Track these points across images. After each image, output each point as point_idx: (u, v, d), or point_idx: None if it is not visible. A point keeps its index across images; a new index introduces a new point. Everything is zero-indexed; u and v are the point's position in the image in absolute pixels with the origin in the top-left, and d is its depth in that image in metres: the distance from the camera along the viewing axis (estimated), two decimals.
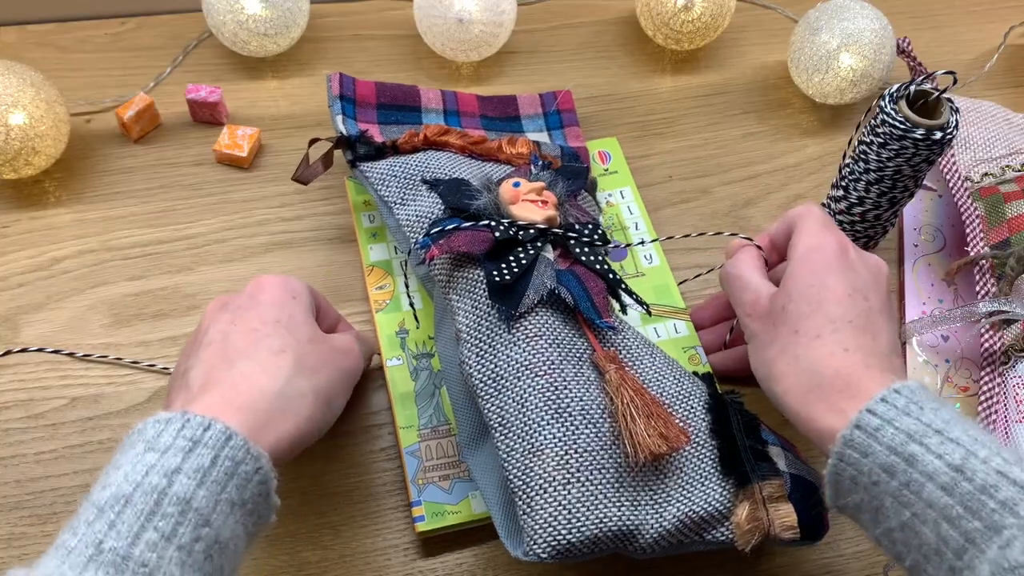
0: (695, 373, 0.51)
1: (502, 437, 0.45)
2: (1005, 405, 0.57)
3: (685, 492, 0.45)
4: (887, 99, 0.57)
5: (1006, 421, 0.57)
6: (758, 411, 0.51)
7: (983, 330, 0.60)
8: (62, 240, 0.65)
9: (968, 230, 0.64)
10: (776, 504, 0.45)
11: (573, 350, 0.47)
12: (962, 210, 0.66)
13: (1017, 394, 0.57)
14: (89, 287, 0.62)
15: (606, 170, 0.69)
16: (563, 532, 0.42)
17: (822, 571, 0.53)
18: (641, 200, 0.68)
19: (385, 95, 0.67)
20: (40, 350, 0.58)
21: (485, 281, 0.48)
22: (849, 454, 0.39)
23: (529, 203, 0.51)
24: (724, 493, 0.46)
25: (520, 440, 0.44)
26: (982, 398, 0.58)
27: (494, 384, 0.46)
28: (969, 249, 0.63)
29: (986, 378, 0.59)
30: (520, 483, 0.44)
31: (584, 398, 0.45)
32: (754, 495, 0.46)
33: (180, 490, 0.35)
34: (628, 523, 0.43)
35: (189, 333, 0.60)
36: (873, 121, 0.58)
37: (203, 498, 0.36)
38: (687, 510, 0.45)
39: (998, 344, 0.60)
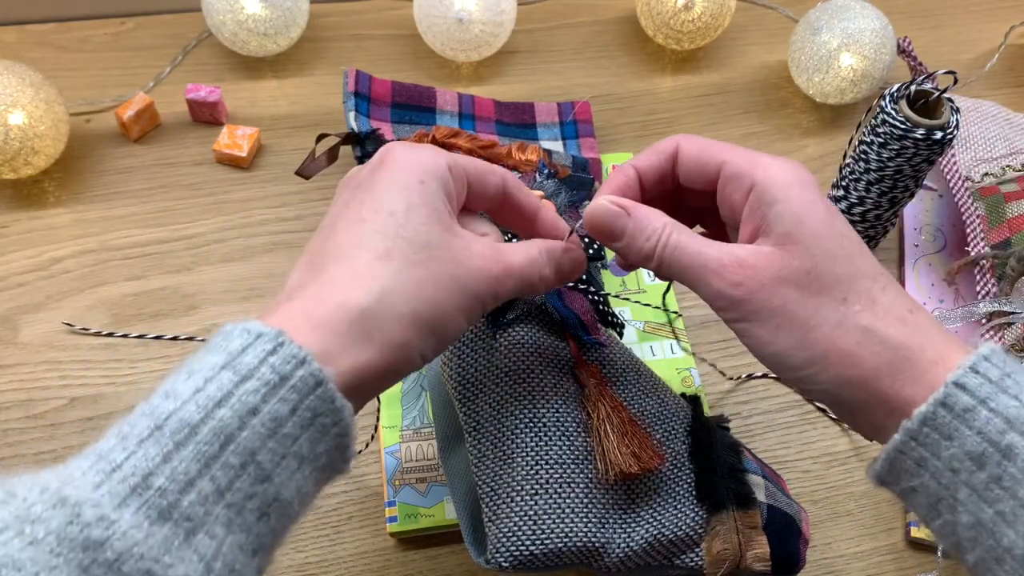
0: (683, 395, 0.51)
1: (474, 442, 0.45)
2: None
3: (656, 513, 0.45)
4: (887, 99, 0.57)
5: None
6: (745, 438, 0.50)
7: (984, 330, 0.60)
8: (61, 240, 0.65)
9: (969, 230, 0.64)
10: (750, 534, 0.44)
11: (555, 361, 0.46)
12: (963, 210, 0.66)
13: None
14: (89, 287, 0.62)
15: None
16: (527, 543, 0.42)
17: (823, 571, 0.53)
18: None
19: (401, 94, 0.66)
20: (98, 333, 0.59)
21: None
22: (927, 434, 0.32)
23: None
24: (696, 518, 0.45)
25: (492, 446, 0.44)
26: None
27: (472, 388, 0.46)
28: (970, 249, 0.63)
29: None
30: (488, 489, 0.44)
31: (560, 410, 0.45)
32: (728, 523, 0.44)
33: (249, 440, 0.30)
34: (595, 540, 0.43)
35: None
36: (873, 121, 0.58)
37: (270, 451, 0.30)
38: (657, 532, 0.44)
39: (998, 344, 0.60)
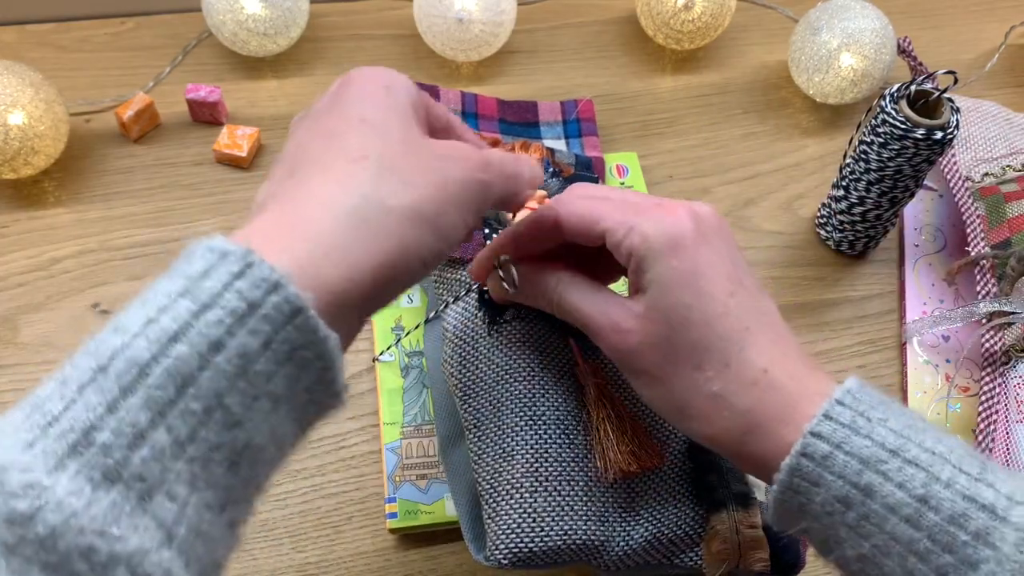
0: None
1: (475, 439, 0.45)
2: (1005, 405, 0.57)
3: (656, 512, 0.45)
4: (888, 99, 0.57)
5: (1006, 421, 0.57)
6: None
7: (984, 330, 0.60)
8: (61, 240, 0.65)
9: (969, 230, 0.64)
10: (750, 534, 0.44)
11: (556, 359, 0.46)
12: (963, 210, 0.66)
13: (1018, 394, 0.57)
14: (89, 287, 0.62)
15: (622, 183, 0.69)
16: (526, 540, 0.42)
17: (823, 571, 0.53)
18: None
19: None
20: None
21: (475, 286, 0.48)
22: (798, 483, 0.34)
23: (529, 211, 0.51)
24: (696, 518, 0.45)
25: (492, 444, 0.44)
26: (982, 398, 0.58)
27: (473, 386, 0.46)
28: (970, 249, 0.63)
29: (986, 378, 0.59)
30: (488, 487, 0.44)
31: (560, 408, 0.45)
32: (727, 523, 0.44)
33: (213, 381, 0.25)
34: (594, 537, 0.43)
35: None
36: (874, 121, 0.58)
37: (240, 392, 0.26)
38: (656, 531, 0.44)
39: (998, 344, 0.60)
